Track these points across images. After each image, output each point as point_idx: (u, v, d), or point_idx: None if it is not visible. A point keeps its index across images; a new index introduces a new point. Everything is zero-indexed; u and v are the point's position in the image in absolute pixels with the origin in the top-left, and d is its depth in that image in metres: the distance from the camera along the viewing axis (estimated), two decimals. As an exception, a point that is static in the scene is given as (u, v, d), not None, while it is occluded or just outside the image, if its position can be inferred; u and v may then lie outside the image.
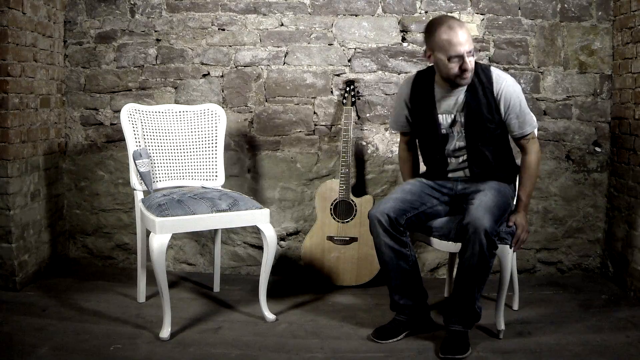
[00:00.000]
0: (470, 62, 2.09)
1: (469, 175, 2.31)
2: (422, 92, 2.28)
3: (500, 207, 2.15)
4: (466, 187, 2.32)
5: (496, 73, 2.20)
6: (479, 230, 2.00)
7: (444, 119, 2.26)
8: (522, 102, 2.21)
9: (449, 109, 2.24)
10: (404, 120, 2.40)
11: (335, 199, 2.90)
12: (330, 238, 2.91)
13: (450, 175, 2.35)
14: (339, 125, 3.05)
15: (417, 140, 2.46)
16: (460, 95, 2.20)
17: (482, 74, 2.18)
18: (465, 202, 2.24)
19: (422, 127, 2.35)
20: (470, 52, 2.08)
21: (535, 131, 2.30)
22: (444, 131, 2.27)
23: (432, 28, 2.13)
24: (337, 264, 2.90)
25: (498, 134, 2.26)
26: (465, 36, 2.06)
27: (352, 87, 2.96)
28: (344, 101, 2.95)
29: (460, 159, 2.31)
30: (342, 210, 2.90)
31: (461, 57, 2.07)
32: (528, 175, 2.26)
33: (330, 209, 2.91)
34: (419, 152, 2.49)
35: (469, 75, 2.12)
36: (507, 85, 2.17)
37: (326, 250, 2.91)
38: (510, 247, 2.20)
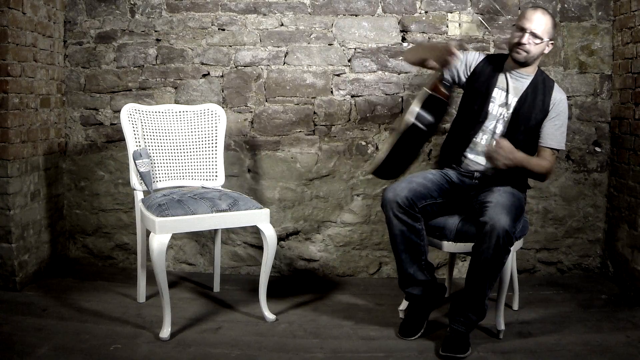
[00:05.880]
0: (526, 39, 2.22)
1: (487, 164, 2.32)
2: (490, 65, 2.38)
3: (517, 207, 2.16)
4: (479, 186, 2.34)
5: (559, 87, 2.37)
6: (497, 227, 2.02)
7: (499, 95, 2.34)
8: (565, 121, 2.33)
9: (509, 88, 2.33)
10: (456, 67, 2.37)
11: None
12: None
13: (471, 157, 2.36)
14: (339, 125, 3.05)
15: (454, 119, 2.51)
16: (524, 83, 2.33)
17: (548, 80, 2.35)
18: (477, 202, 2.26)
19: (472, 96, 2.38)
20: (533, 34, 2.22)
21: (558, 153, 2.37)
22: (491, 107, 2.33)
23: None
24: None
25: (532, 140, 2.32)
26: (538, 19, 2.23)
27: None
28: None
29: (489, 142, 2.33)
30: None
31: (523, 31, 2.23)
32: (538, 160, 2.30)
33: None
34: (449, 132, 2.51)
35: (522, 52, 2.25)
36: (563, 99, 2.33)
37: None
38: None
